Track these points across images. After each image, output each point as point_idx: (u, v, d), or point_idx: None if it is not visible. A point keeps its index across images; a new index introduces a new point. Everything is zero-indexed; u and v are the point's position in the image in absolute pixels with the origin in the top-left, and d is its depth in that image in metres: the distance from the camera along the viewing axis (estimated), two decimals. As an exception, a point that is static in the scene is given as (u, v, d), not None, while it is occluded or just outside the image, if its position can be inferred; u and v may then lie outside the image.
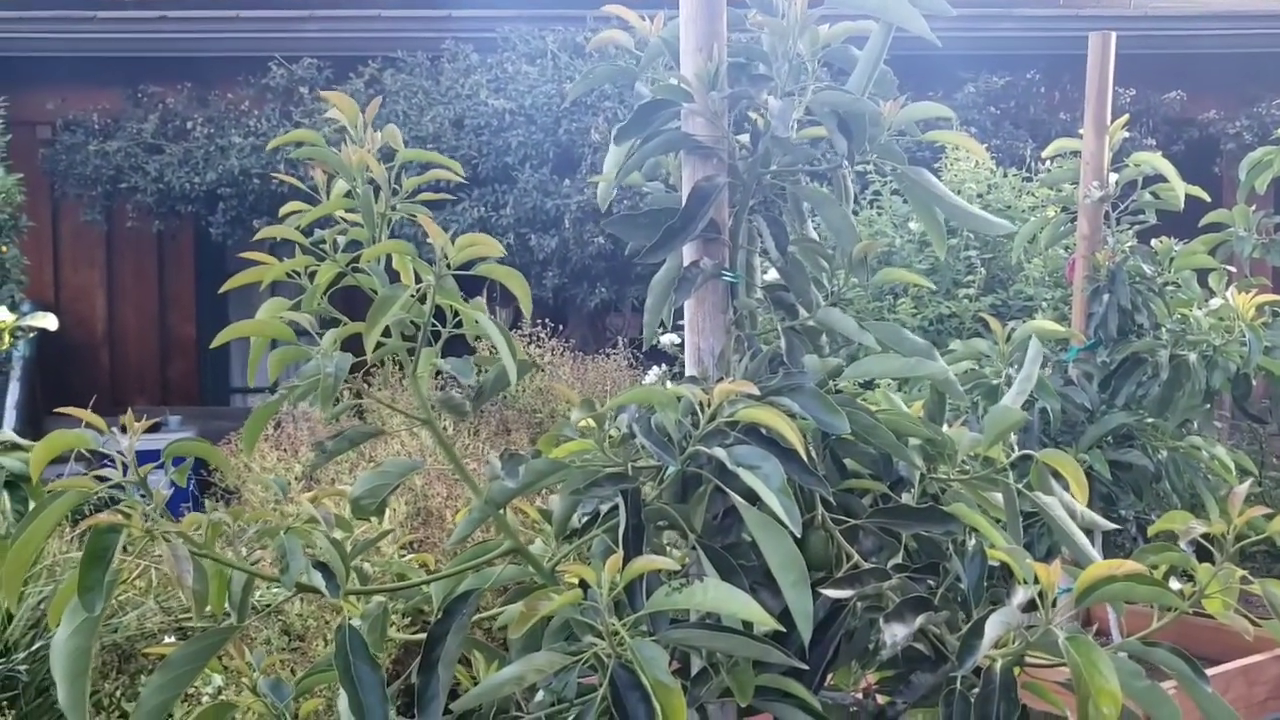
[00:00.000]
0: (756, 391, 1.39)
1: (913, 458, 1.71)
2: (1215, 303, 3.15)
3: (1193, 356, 3.13)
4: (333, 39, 7.42)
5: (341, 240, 1.54)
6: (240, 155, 6.99)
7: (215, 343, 1.42)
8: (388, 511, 2.67)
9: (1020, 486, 1.85)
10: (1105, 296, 3.28)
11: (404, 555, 2.08)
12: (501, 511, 1.55)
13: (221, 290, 1.55)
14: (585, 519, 1.61)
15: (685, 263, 1.74)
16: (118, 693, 3.17)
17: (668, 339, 5.32)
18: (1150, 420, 3.17)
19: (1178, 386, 3.16)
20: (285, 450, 4.66)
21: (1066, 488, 1.87)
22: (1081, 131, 3.42)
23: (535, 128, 6.51)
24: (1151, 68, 6.68)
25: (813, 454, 1.51)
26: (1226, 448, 3.09)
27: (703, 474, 1.53)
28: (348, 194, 1.58)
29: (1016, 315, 4.54)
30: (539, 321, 5.63)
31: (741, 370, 1.64)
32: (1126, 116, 3.38)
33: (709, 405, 1.43)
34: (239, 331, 1.44)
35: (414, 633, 1.86)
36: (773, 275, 1.88)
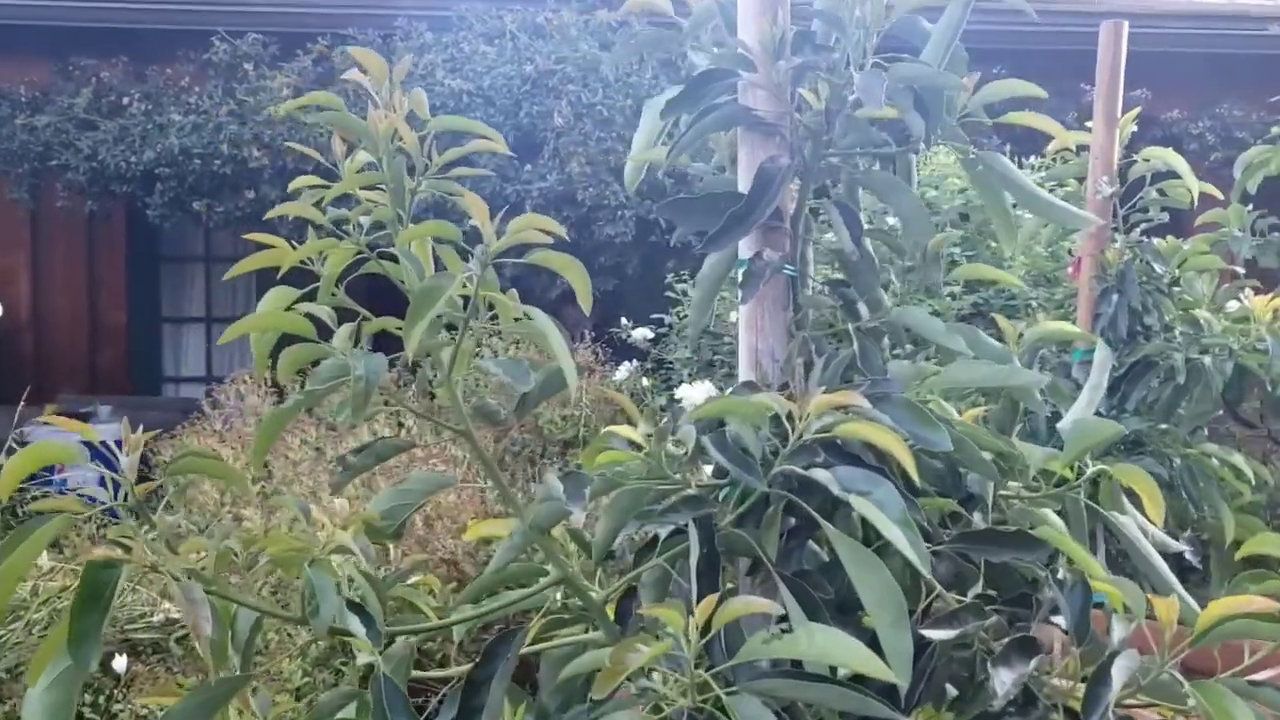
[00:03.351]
0: (865, 404, 1.20)
1: (993, 471, 1.54)
2: (1232, 305, 3.04)
3: (1207, 360, 3.01)
4: (279, 14, 7.08)
5: (365, 221, 1.33)
6: (180, 134, 6.64)
7: (224, 339, 1.19)
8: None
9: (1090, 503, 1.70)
10: (1115, 297, 3.15)
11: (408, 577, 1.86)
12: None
13: (228, 276, 1.33)
14: (637, 545, 1.41)
15: (745, 254, 1.55)
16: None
17: (639, 333, 5.13)
18: (1162, 426, 3.04)
19: (1189, 391, 3.05)
20: (234, 448, 4.37)
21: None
22: (1089, 125, 3.29)
23: (494, 110, 6.26)
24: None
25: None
26: (1244, 455, 2.97)
27: (771, 494, 1.35)
28: (367, 167, 1.36)
29: (1002, 314, 4.41)
30: (492, 316, 5.40)
31: (814, 377, 1.45)
32: (1137, 110, 3.26)
33: (800, 419, 1.24)
34: (249, 327, 1.22)
35: (420, 664, 1.65)
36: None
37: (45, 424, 1.39)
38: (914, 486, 1.56)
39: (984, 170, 1.64)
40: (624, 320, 5.44)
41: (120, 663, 2.64)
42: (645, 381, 4.86)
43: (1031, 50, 6.24)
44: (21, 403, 5.54)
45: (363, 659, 1.39)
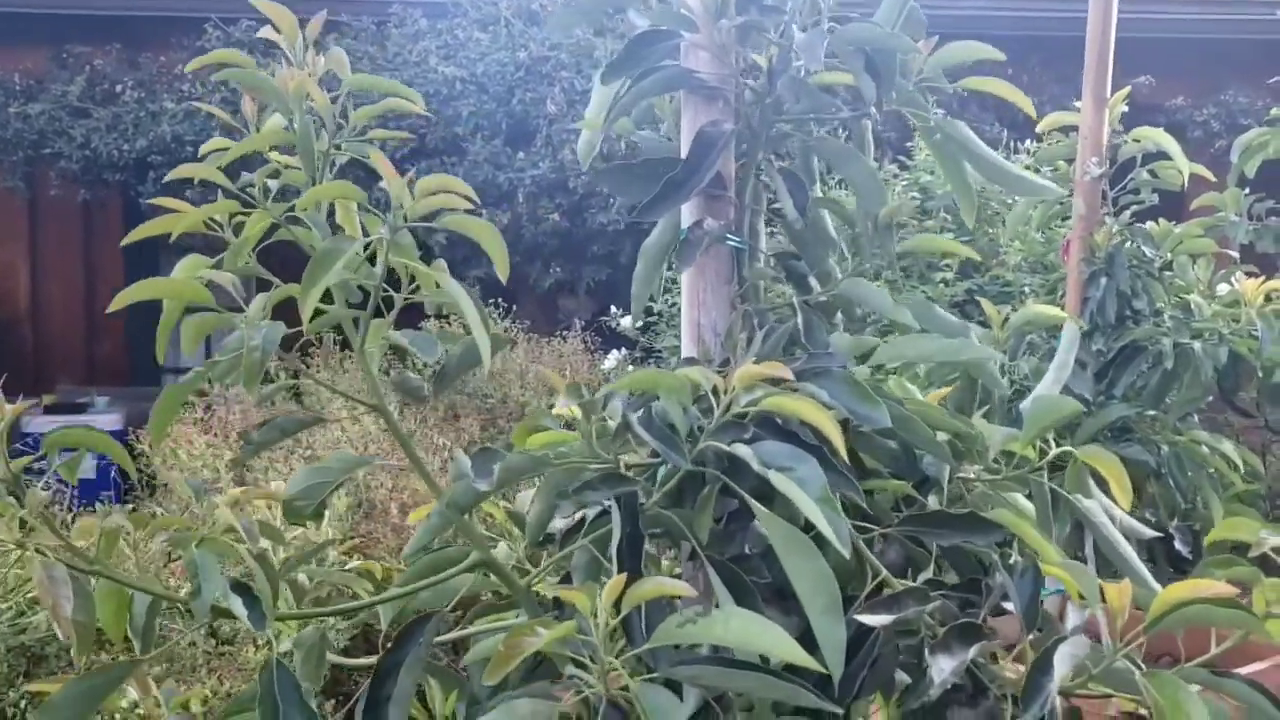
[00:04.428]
0: (790, 375, 1.13)
1: (945, 451, 1.47)
2: (1223, 289, 2.96)
3: (1197, 345, 2.93)
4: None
5: (274, 185, 1.26)
6: (173, 121, 6.59)
7: (113, 306, 1.13)
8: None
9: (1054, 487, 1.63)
10: (1103, 280, 3.07)
11: (346, 562, 1.80)
12: (466, 516, 1.29)
13: (123, 243, 1.26)
14: (567, 526, 1.35)
15: (686, 223, 1.48)
16: (23, 702, 2.85)
17: (627, 321, 5.06)
18: (1150, 413, 2.97)
19: (1179, 377, 2.97)
20: (216, 435, 4.32)
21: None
22: (1078, 104, 3.21)
23: (487, 97, 6.20)
24: (1119, 51, 6.52)
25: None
26: (1234, 443, 2.89)
27: (706, 473, 1.28)
28: (284, 130, 1.30)
29: (995, 301, 4.33)
30: (489, 301, 5.34)
31: (753, 351, 1.38)
32: (1128, 89, 3.17)
33: (725, 392, 1.17)
34: (144, 292, 1.15)
35: (356, 647, 1.59)
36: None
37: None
38: (863, 467, 1.50)
39: (942, 139, 1.57)
40: (613, 309, 5.37)
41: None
42: (631, 369, 4.79)
43: (1032, 36, 6.15)
44: (20, 396, 5.48)
45: (282, 645, 1.33)
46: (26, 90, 6.99)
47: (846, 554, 1.06)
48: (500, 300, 5.37)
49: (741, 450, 1.11)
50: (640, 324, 5.09)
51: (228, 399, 4.74)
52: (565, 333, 5.46)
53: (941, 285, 4.36)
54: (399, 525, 3.36)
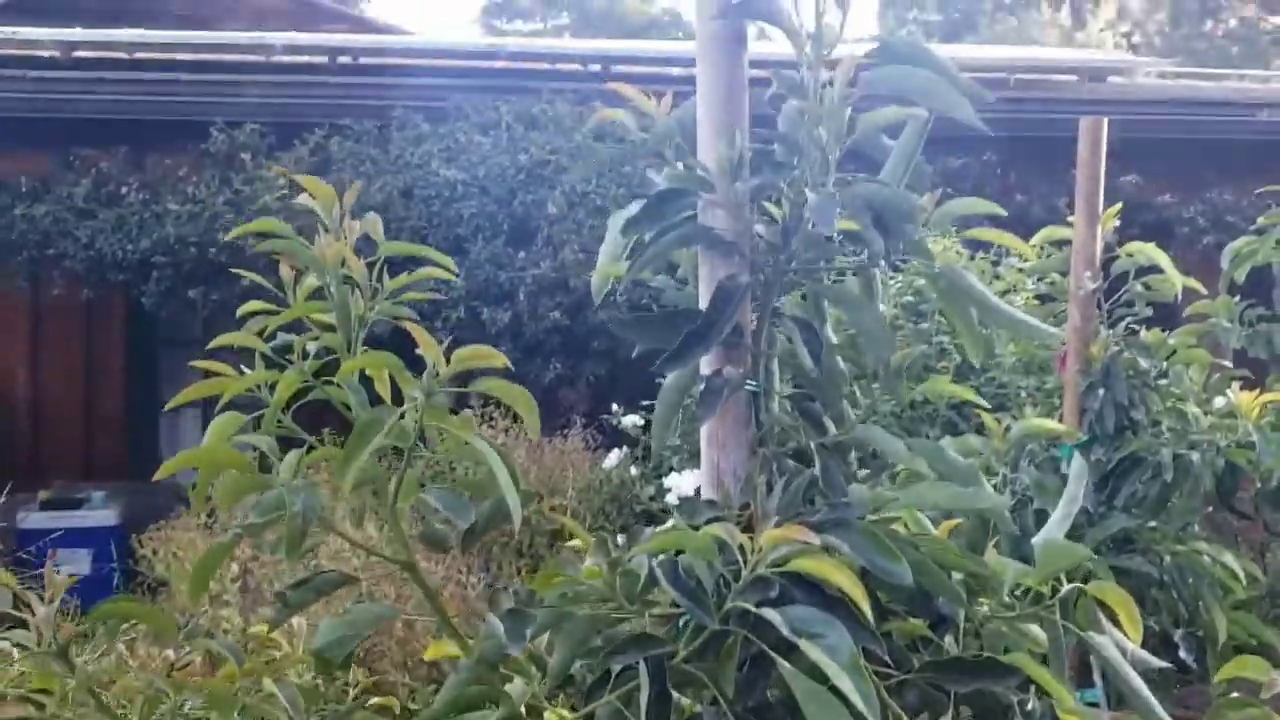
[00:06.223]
0: (815, 540, 1.17)
1: (961, 596, 1.50)
2: (1219, 402, 3.01)
3: (1195, 456, 2.97)
4: (277, 104, 7.16)
5: (311, 347, 1.31)
6: (177, 223, 6.69)
7: (159, 474, 1.17)
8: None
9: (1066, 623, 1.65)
10: (1101, 392, 3.13)
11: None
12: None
13: (168, 407, 1.31)
14: (595, 672, 1.37)
15: (705, 370, 1.53)
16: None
17: (629, 420, 5.10)
18: (1152, 524, 3.00)
19: (1178, 487, 3.01)
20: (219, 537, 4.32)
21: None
22: (1070, 220, 3.30)
23: (489, 199, 6.31)
24: (1107, 150, 6.67)
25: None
26: (1234, 553, 2.92)
27: (730, 626, 1.31)
28: (316, 292, 1.35)
29: (990, 403, 4.38)
30: (490, 400, 5.39)
31: (774, 499, 1.42)
32: (1118, 207, 3.26)
33: (753, 552, 1.21)
34: (187, 462, 1.19)
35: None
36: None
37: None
38: (880, 606, 1.53)
39: (948, 286, 1.63)
40: (615, 406, 5.41)
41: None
42: (634, 470, 4.82)
43: (1020, 138, 6.29)
44: (5, 493, 5.48)
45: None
46: (32, 191, 7.09)
47: (873, 719, 1.09)
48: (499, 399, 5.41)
49: (772, 615, 1.14)
50: (642, 424, 5.14)
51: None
52: (566, 430, 5.49)
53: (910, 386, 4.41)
54: (403, 638, 3.37)
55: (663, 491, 4.55)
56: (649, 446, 5.24)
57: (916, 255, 1.62)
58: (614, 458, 5.03)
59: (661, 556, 1.30)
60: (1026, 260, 4.12)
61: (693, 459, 4.93)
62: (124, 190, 6.94)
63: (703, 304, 1.54)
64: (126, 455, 8.45)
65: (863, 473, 1.77)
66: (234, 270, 1.55)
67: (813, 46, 1.52)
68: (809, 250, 1.60)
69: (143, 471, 8.55)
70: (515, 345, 6.29)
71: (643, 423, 5.17)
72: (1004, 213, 1.55)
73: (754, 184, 1.48)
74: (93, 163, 7.13)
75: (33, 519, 6.94)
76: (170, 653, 2.91)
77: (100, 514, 7.35)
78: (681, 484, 4.32)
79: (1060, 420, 3.22)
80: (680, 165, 1.63)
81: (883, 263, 1.56)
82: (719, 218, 1.53)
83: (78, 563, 6.83)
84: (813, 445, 1.51)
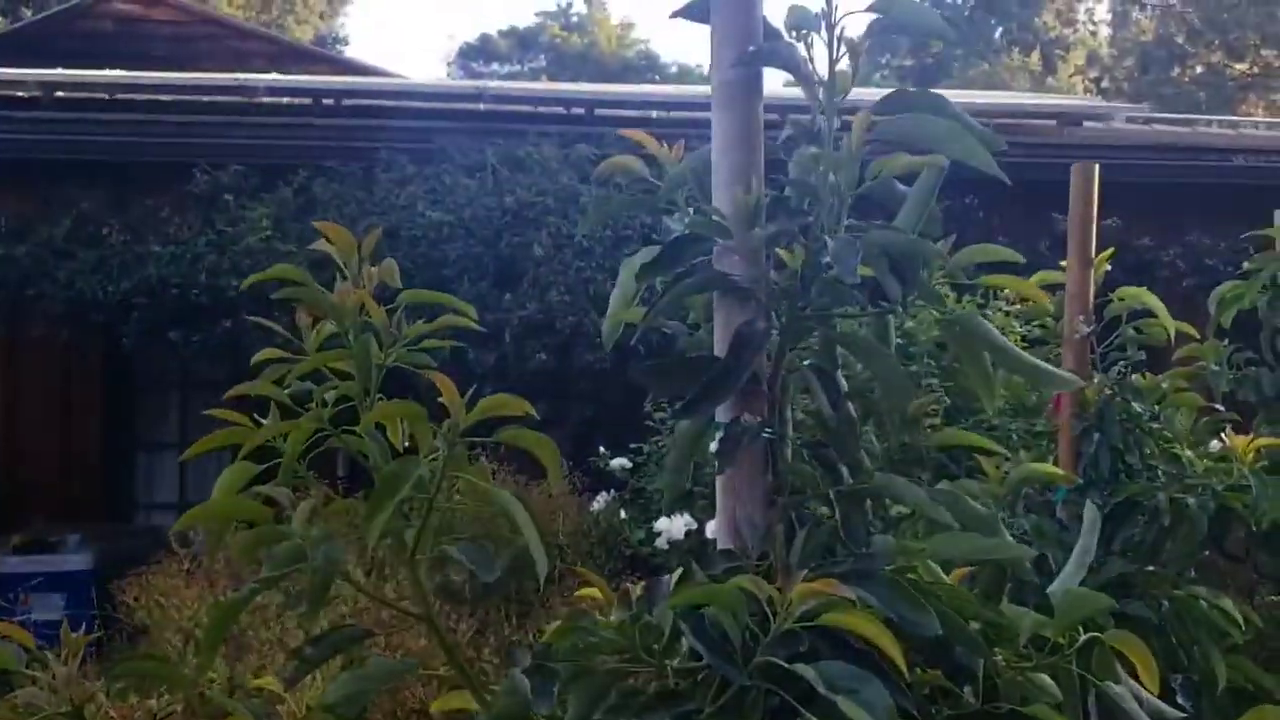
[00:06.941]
0: (850, 594, 1.15)
1: (983, 647, 1.48)
2: (1214, 445, 3.02)
3: (1191, 501, 2.98)
4: (262, 146, 7.15)
5: (329, 395, 1.29)
6: (158, 264, 6.65)
7: (177, 526, 1.14)
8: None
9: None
10: (1096, 436, 3.13)
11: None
12: None
13: (184, 458, 1.28)
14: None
15: (721, 418, 1.52)
16: None
17: (617, 463, 5.07)
18: (1149, 568, 2.99)
19: (1175, 531, 3.01)
20: (201, 586, 4.26)
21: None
22: (1063, 264, 3.32)
23: (474, 240, 6.30)
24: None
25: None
26: (1232, 600, 2.91)
27: (754, 681, 1.29)
28: (331, 338, 1.33)
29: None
30: (477, 446, 5.34)
31: (795, 552, 1.40)
32: (1111, 251, 3.28)
33: (782, 606, 1.19)
34: (201, 517, 1.17)
35: None
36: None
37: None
38: (900, 682, 1.50)
39: (961, 332, 1.63)
40: (601, 449, 5.39)
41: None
42: (623, 514, 4.78)
43: (1001, 181, 6.35)
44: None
45: None
46: (12, 232, 7.03)
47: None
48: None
49: (805, 671, 1.12)
50: (630, 466, 5.11)
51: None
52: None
53: (929, 431, 4.41)
54: (394, 687, 3.31)
55: (653, 535, 4.52)
56: (636, 489, 5.21)
57: (930, 302, 1.62)
58: (601, 501, 5.00)
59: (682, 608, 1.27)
60: (1014, 305, 4.15)
61: (682, 501, 4.91)
62: (105, 231, 6.89)
63: (719, 351, 1.53)
64: (103, 497, 8.34)
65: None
66: (251, 318, 1.53)
67: (825, 93, 1.52)
68: (823, 296, 1.60)
69: (119, 513, 8.45)
70: (500, 386, 6.26)
71: (630, 465, 5.14)
72: (1022, 260, 1.56)
73: (771, 230, 1.48)
74: (74, 203, 7.09)
75: (8, 563, 6.81)
76: (153, 702, 2.85)
77: (75, 558, 7.22)
78: (672, 528, 4.29)
79: (1055, 464, 3.22)
80: (692, 211, 1.63)
81: (900, 309, 1.55)
82: (735, 264, 1.52)
83: (51, 608, 6.70)
84: (832, 494, 1.50)
